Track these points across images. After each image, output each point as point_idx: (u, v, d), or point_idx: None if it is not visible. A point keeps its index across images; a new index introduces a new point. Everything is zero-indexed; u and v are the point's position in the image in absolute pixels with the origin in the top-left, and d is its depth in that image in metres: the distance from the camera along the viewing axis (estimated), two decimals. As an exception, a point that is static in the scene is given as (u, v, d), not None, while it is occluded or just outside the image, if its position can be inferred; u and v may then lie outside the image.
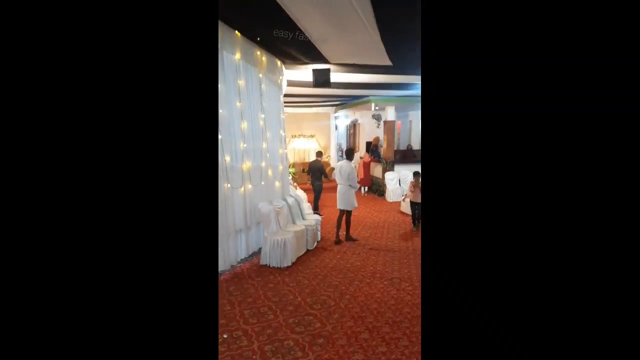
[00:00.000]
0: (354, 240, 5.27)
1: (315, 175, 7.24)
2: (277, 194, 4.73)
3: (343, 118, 12.56)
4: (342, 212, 5.40)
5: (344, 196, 5.27)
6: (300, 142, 11.42)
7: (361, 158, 9.42)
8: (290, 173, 6.80)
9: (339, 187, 5.33)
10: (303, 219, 5.20)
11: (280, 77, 4.76)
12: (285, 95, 7.83)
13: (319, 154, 7.74)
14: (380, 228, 6.09)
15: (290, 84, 6.40)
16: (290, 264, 4.02)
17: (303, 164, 11.10)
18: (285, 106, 10.99)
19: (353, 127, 11.68)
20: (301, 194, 6.60)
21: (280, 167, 4.80)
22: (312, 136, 11.54)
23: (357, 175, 9.83)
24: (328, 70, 4.96)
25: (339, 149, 11.95)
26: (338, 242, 5.26)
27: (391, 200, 8.38)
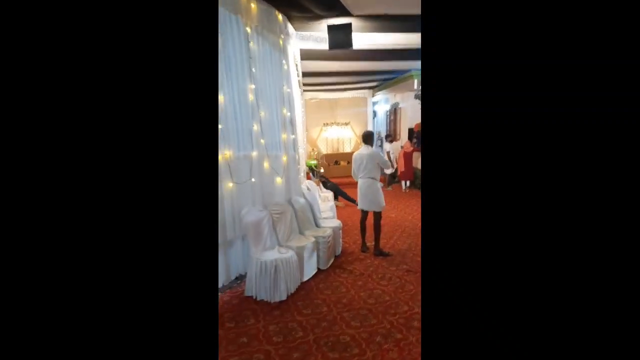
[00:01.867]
0: (386, 254, 3.86)
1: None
2: (278, 195, 3.44)
3: (382, 103, 10.92)
4: (365, 213, 4.05)
5: (368, 192, 3.92)
6: (334, 130, 10.04)
7: (402, 147, 7.84)
8: (309, 165, 5.47)
9: (360, 181, 3.97)
10: (317, 226, 3.86)
11: (283, 37, 3.42)
12: (310, 75, 6.55)
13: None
14: (423, 236, 4.59)
15: (308, 56, 5.05)
16: (285, 296, 2.73)
17: (337, 155, 9.72)
18: (315, 90, 9.77)
19: (394, 112, 10.04)
20: (318, 192, 5.27)
21: (284, 158, 3.49)
22: (346, 124, 10.10)
23: (398, 168, 8.34)
24: (349, 25, 3.53)
25: (379, 137, 10.38)
26: (365, 249, 4.02)
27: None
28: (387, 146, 8.04)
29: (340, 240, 3.99)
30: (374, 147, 4.11)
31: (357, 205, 4.27)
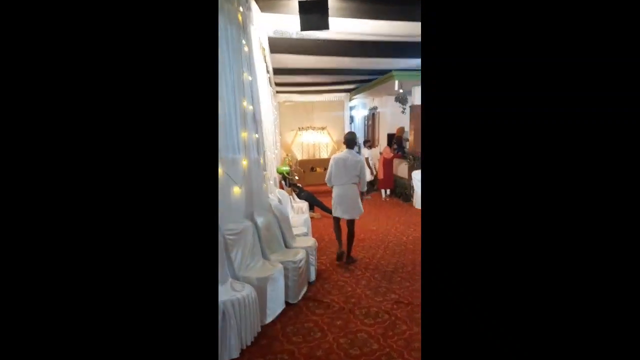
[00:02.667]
0: (353, 261, 3.73)
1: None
2: (235, 210, 2.69)
3: (360, 108, 10.40)
4: (338, 221, 3.79)
5: (350, 200, 3.61)
6: (310, 135, 9.37)
7: (381, 153, 7.26)
8: (280, 172, 4.77)
9: (340, 188, 3.64)
10: (287, 247, 3.14)
11: (242, 10, 2.70)
12: (283, 73, 5.85)
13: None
14: (411, 253, 3.95)
15: (277, 47, 4.36)
16: (237, 354, 1.98)
17: (313, 161, 9.04)
18: (289, 92, 9.08)
19: (372, 117, 9.52)
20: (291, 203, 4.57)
21: (244, 162, 2.75)
22: (323, 128, 9.46)
23: (377, 175, 7.76)
24: (324, 2, 2.88)
25: (367, 145, 9.80)
26: (342, 255, 3.73)
27: (420, 207, 6.21)
28: (365, 152, 7.44)
29: (315, 261, 3.28)
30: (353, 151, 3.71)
31: (333, 214, 3.95)
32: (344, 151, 3.68)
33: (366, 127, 10.10)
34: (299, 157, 9.47)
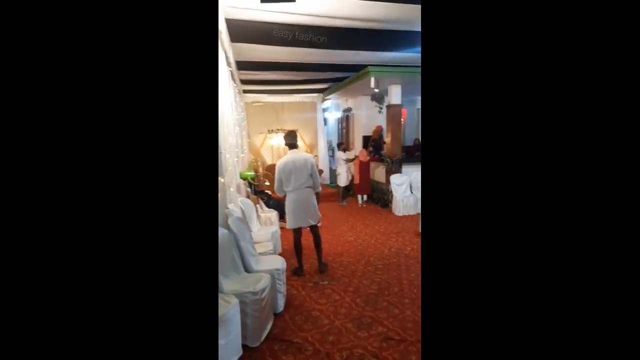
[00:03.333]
0: (326, 266, 3.43)
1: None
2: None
3: (333, 110, 9.91)
4: (299, 232, 3.36)
5: (308, 203, 3.24)
6: (280, 138, 8.74)
7: (356, 156, 6.75)
8: (244, 178, 4.12)
9: (294, 194, 3.22)
10: (247, 271, 2.50)
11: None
12: (250, 68, 5.18)
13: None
14: (395, 268, 3.41)
15: (238, 36, 3.74)
16: None
17: (283, 166, 8.42)
18: (257, 92, 8.40)
19: (346, 119, 9.04)
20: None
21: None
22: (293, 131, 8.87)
23: (353, 180, 7.25)
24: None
25: (330, 147, 9.27)
26: (302, 273, 3.33)
27: (400, 214, 5.75)
28: (341, 155, 6.91)
29: (284, 287, 2.66)
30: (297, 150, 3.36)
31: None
32: (287, 153, 3.26)
33: (340, 129, 9.61)
34: (269, 161, 8.80)
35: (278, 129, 8.71)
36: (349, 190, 7.74)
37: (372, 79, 5.48)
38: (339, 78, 6.67)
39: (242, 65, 5.17)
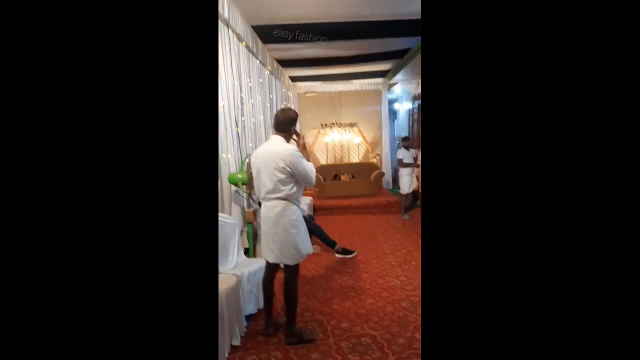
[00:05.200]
0: (300, 339, 1.97)
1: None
2: None
3: (404, 100, 8.10)
4: (272, 268, 2.09)
5: (276, 227, 1.90)
6: (337, 134, 7.34)
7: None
8: (233, 183, 2.81)
9: (263, 207, 1.96)
10: None
11: None
12: (283, 41, 3.89)
13: None
14: None
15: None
16: None
17: (339, 166, 6.98)
18: (309, 79, 7.14)
19: (418, 110, 7.18)
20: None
21: None
22: (352, 125, 7.34)
23: (419, 185, 5.44)
24: None
25: (399, 145, 7.49)
26: (270, 331, 2.08)
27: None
28: (404, 153, 5.20)
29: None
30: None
31: (337, 251, 3.24)
32: (270, 138, 1.96)
33: (411, 123, 7.77)
34: (323, 161, 7.48)
35: (333, 123, 7.32)
36: (416, 200, 5.94)
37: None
38: (405, 50, 4.97)
39: (264, 35, 3.92)
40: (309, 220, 3.62)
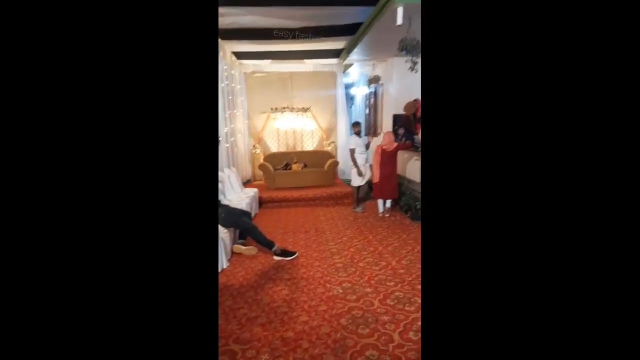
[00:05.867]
0: None
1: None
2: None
3: (361, 83, 7.63)
4: None
5: None
6: (288, 119, 6.74)
7: (380, 145, 4.48)
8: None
9: None
10: None
11: None
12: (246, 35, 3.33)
13: None
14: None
15: None
16: None
17: (290, 154, 6.41)
18: (258, 58, 6.15)
19: (374, 95, 6.76)
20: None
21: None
22: (305, 110, 6.78)
23: (372, 176, 5.01)
24: None
25: (355, 131, 6.96)
26: None
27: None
28: (356, 140, 4.73)
29: None
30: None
31: (275, 252, 2.88)
32: None
33: (367, 109, 7.35)
34: (274, 149, 6.87)
35: (284, 107, 6.71)
36: (371, 190, 5.55)
37: (399, 11, 3.21)
38: (356, 26, 4.46)
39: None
40: (239, 217, 3.05)
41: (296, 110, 6.74)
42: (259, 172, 6.25)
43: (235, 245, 3.14)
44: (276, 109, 6.69)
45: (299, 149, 6.93)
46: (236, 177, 4.87)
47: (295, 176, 5.91)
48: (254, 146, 6.64)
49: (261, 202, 5.17)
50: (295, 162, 6.14)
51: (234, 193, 4.48)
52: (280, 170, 5.98)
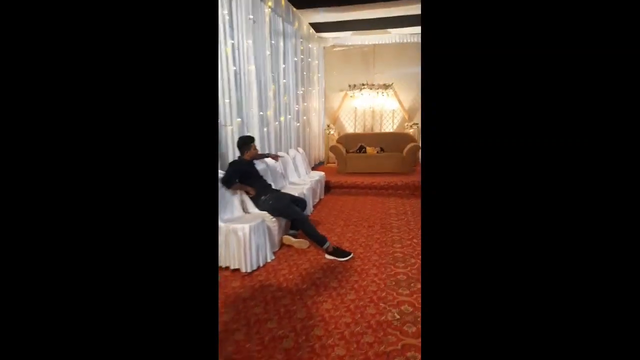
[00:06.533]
0: None
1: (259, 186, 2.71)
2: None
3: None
4: None
5: None
6: (367, 97, 6.10)
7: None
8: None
9: None
10: None
11: None
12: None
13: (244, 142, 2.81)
14: None
15: None
16: None
17: (366, 136, 5.82)
18: (339, 29, 5.56)
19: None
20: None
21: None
22: (387, 87, 6.03)
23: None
24: None
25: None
26: None
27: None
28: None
29: None
30: None
31: (326, 250, 2.46)
32: None
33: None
34: (350, 129, 6.36)
35: (364, 84, 6.08)
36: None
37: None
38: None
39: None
40: (288, 205, 2.67)
41: (376, 87, 6.05)
42: (332, 155, 5.84)
43: (286, 236, 2.80)
44: (354, 86, 6.11)
45: (377, 130, 6.28)
46: (303, 159, 4.53)
47: (369, 160, 5.34)
48: (328, 126, 6.23)
49: (329, 187, 4.78)
50: (371, 146, 5.54)
51: (298, 176, 4.16)
52: (353, 153, 5.47)
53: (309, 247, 2.75)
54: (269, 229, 2.56)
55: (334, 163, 5.80)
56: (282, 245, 2.80)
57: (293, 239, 2.78)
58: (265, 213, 2.63)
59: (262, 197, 2.70)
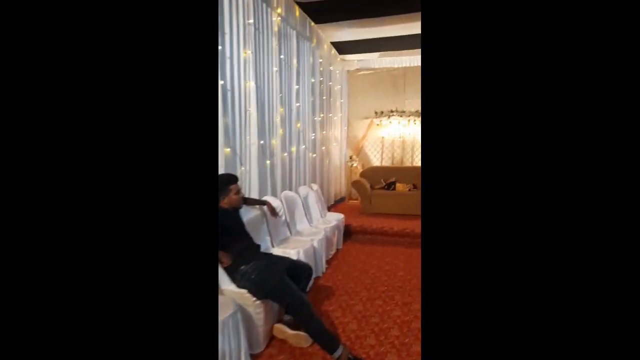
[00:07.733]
0: None
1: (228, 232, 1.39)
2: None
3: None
4: None
5: None
6: (397, 125, 5.20)
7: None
8: None
9: None
10: None
11: None
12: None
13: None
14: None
15: None
16: None
17: (395, 170, 4.86)
18: (363, 51, 4.39)
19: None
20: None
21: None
22: (419, 114, 5.13)
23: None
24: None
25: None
26: None
27: None
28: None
29: None
30: None
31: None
32: None
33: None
34: (375, 162, 5.43)
35: (392, 111, 5.20)
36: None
37: None
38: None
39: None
40: (280, 282, 1.74)
41: (407, 114, 5.16)
42: (355, 191, 4.91)
43: (277, 325, 1.84)
44: (382, 112, 5.26)
45: (407, 163, 5.31)
46: (317, 198, 3.62)
47: (399, 199, 4.35)
48: (350, 158, 5.35)
49: (349, 232, 3.81)
50: (400, 182, 4.56)
51: (309, 221, 3.22)
52: (380, 189, 4.51)
53: (312, 345, 1.77)
54: (247, 319, 1.62)
55: (357, 199, 4.85)
56: (271, 338, 1.84)
57: (288, 331, 1.81)
58: (244, 292, 1.70)
59: (242, 267, 1.77)
